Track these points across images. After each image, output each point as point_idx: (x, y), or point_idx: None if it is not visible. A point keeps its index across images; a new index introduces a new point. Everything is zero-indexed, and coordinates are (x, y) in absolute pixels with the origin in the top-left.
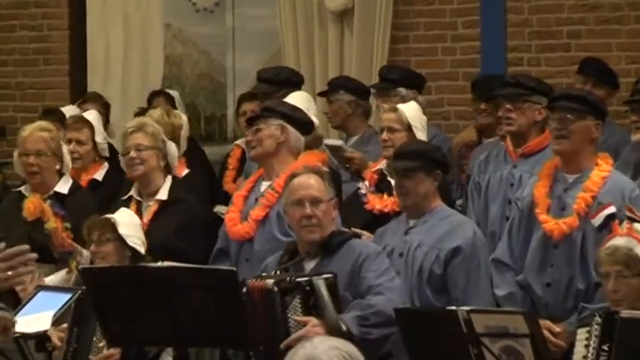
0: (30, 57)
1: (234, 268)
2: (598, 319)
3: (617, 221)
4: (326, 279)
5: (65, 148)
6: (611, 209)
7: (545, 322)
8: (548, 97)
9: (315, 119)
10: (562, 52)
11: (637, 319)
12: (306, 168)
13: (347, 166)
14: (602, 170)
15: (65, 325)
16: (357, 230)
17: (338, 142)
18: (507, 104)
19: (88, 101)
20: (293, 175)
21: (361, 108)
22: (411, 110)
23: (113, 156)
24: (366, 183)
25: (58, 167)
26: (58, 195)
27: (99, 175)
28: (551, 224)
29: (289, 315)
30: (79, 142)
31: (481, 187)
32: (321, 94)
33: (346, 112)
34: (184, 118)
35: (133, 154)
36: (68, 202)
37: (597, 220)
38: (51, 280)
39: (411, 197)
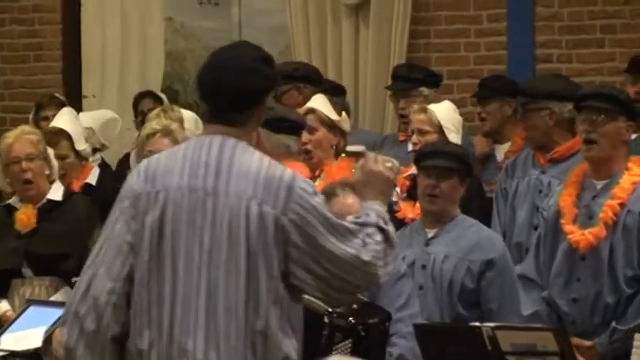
0: (20, 53)
1: None
2: (637, 335)
3: None
4: (382, 324)
5: (51, 151)
6: None
7: (573, 340)
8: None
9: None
10: (595, 48)
11: None
12: (343, 184)
13: None
14: (633, 175)
15: None
16: None
17: (360, 148)
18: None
19: (44, 107)
20: (330, 192)
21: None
22: (442, 110)
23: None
24: (397, 190)
25: (47, 172)
26: (51, 203)
27: (92, 179)
28: (577, 235)
29: (334, 353)
30: (60, 157)
31: (508, 193)
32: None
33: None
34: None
35: None
36: (66, 209)
37: None
38: (57, 298)
39: (441, 201)
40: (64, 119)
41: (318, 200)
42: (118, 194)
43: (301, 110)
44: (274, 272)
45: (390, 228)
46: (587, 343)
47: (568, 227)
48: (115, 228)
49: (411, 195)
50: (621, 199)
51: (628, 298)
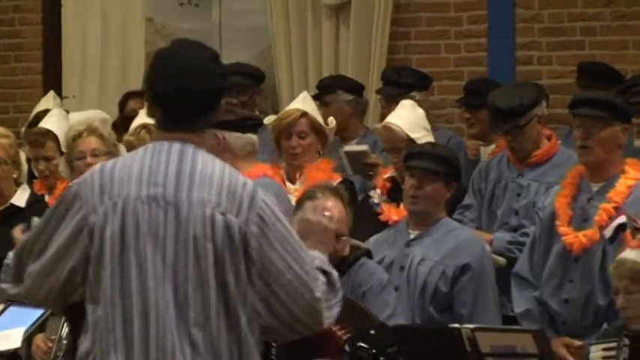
0: (0, 53)
1: None
2: (626, 340)
3: (628, 232)
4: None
5: (23, 155)
6: (622, 219)
7: (565, 339)
8: None
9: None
10: (575, 50)
11: None
12: (323, 187)
13: (370, 173)
14: (628, 178)
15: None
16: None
17: (362, 147)
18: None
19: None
20: (310, 196)
21: (360, 107)
22: (406, 121)
23: None
24: (378, 191)
25: (15, 176)
26: (13, 208)
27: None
28: (571, 237)
29: None
30: (46, 159)
31: (483, 195)
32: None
33: (346, 112)
34: None
35: None
36: (27, 215)
37: (608, 232)
38: None
39: (423, 203)
40: (51, 120)
41: (279, 215)
42: (65, 198)
43: (292, 112)
44: (242, 282)
45: (334, 273)
46: (578, 343)
47: (562, 229)
48: (63, 234)
49: (392, 196)
50: (616, 202)
51: None
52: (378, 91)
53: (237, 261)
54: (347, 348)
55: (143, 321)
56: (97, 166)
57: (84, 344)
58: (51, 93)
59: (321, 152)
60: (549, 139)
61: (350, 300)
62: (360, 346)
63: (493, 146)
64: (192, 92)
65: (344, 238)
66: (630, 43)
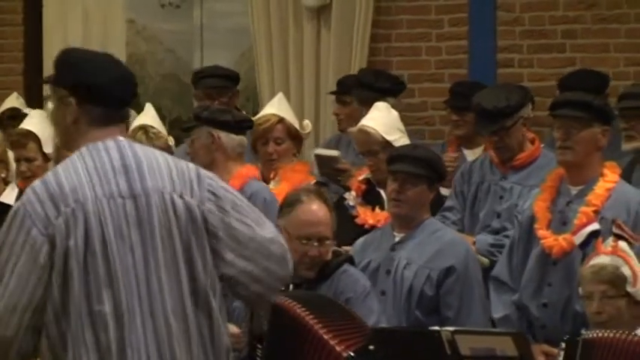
0: None
1: None
2: (562, 343)
3: (600, 239)
4: None
5: (11, 154)
6: (594, 226)
7: (543, 346)
8: None
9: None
10: (556, 52)
11: (599, 337)
12: (307, 191)
13: (339, 178)
14: (607, 181)
15: None
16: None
17: (334, 153)
18: None
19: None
20: (295, 199)
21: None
22: (381, 124)
23: None
24: (352, 193)
25: (3, 175)
26: (3, 206)
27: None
28: (551, 240)
29: None
30: (28, 160)
31: (465, 198)
32: (335, 93)
33: (363, 114)
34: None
35: None
36: None
37: (579, 238)
38: None
39: (407, 206)
40: (33, 121)
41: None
42: (12, 224)
43: (268, 117)
44: (208, 263)
45: None
46: (556, 350)
47: (541, 232)
48: (21, 257)
49: (367, 199)
50: (595, 206)
51: None
52: (353, 94)
53: (202, 243)
54: None
55: (117, 325)
56: (37, 182)
57: None
58: (14, 94)
59: (295, 154)
60: (532, 142)
61: (341, 306)
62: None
63: (480, 149)
64: (126, 76)
65: (328, 242)
66: (611, 46)
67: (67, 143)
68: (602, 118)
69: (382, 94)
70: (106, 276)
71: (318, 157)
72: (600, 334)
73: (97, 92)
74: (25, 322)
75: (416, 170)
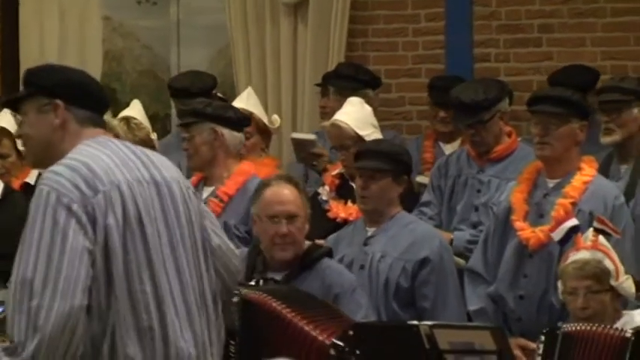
0: None
1: None
2: (542, 336)
3: (580, 234)
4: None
5: None
6: (573, 222)
7: (519, 340)
8: None
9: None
10: (533, 47)
11: (579, 330)
12: (277, 176)
13: (314, 163)
14: (584, 175)
15: None
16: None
17: (310, 136)
18: None
19: None
20: (264, 184)
21: (371, 102)
22: (354, 118)
23: None
24: (326, 188)
25: None
26: None
27: (31, 179)
28: (528, 232)
29: None
30: (1, 156)
31: (442, 192)
32: (320, 85)
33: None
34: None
35: None
36: (4, 208)
37: (558, 234)
38: None
39: (373, 202)
40: (7, 118)
41: None
42: (44, 201)
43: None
44: (207, 245)
45: None
46: (533, 345)
47: (518, 224)
48: (68, 233)
49: (340, 193)
50: (573, 198)
51: None
52: (332, 84)
53: (203, 224)
54: (332, 352)
55: (158, 305)
56: (60, 168)
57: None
58: None
59: (264, 149)
60: (509, 135)
61: (316, 297)
62: (345, 349)
63: (457, 142)
64: (100, 85)
65: (298, 220)
66: (588, 40)
67: (46, 150)
68: (580, 114)
69: (363, 86)
70: (145, 257)
71: (295, 140)
72: (580, 327)
73: (84, 92)
74: (84, 301)
75: (379, 165)
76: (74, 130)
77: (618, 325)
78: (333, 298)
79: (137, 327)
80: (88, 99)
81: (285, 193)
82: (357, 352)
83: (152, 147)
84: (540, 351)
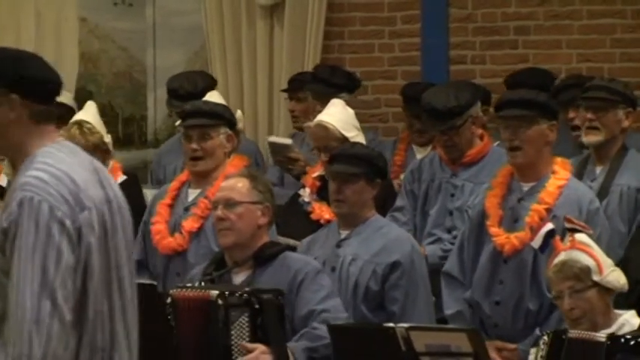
0: None
1: (154, 282)
2: (545, 338)
3: (557, 237)
4: (275, 298)
5: None
6: (549, 226)
7: (496, 342)
8: None
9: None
10: (509, 49)
11: (584, 339)
12: (241, 171)
13: (290, 167)
14: (558, 179)
15: None
16: (290, 241)
17: (287, 141)
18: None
19: None
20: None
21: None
22: (338, 119)
23: None
24: (307, 190)
25: None
26: None
27: (2, 181)
28: (502, 238)
29: (232, 332)
30: None
31: (416, 196)
32: (287, 90)
33: (317, 109)
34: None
35: None
36: None
37: (537, 242)
38: None
39: (347, 206)
40: None
41: None
42: (35, 211)
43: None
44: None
45: None
46: (511, 345)
47: (493, 229)
48: (62, 249)
49: (322, 195)
50: (547, 204)
51: (552, 304)
52: (308, 88)
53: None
54: (219, 301)
55: (112, 327)
56: (47, 176)
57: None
58: None
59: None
60: (481, 138)
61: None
62: (231, 291)
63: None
64: (56, 74)
65: (237, 207)
66: (564, 42)
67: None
68: (547, 114)
69: (338, 90)
70: (105, 276)
71: (272, 144)
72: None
73: (40, 87)
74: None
75: (352, 169)
76: (27, 128)
77: (614, 328)
78: (298, 285)
79: (92, 346)
80: (45, 90)
81: (230, 182)
82: (252, 297)
83: (106, 151)
84: (543, 352)
